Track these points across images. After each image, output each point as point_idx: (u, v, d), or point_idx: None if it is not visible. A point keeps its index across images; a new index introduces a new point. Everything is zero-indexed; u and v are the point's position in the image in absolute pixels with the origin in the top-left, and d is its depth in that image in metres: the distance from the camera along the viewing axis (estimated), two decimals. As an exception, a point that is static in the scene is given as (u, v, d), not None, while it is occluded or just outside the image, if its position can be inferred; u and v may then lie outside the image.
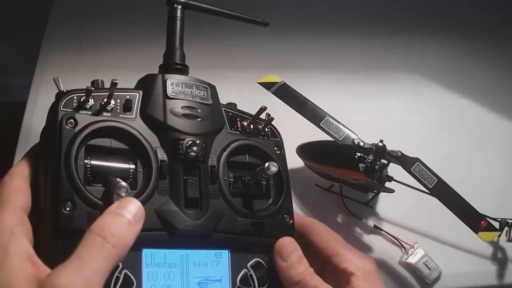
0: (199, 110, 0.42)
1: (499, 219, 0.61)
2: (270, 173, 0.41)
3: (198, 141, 0.40)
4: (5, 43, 1.16)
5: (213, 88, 0.44)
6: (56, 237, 0.34)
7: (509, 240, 0.60)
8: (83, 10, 0.76)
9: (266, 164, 0.41)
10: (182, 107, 0.41)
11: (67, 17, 0.75)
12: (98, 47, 0.72)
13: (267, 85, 0.60)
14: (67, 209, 0.34)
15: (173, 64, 0.44)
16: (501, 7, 0.92)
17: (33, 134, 0.62)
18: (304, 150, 0.62)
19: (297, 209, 0.63)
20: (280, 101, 0.59)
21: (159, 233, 0.37)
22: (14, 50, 1.18)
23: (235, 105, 0.48)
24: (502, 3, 0.92)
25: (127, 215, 0.34)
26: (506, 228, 0.60)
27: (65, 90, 0.39)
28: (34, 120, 0.63)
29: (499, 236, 0.60)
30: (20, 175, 0.37)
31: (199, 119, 0.41)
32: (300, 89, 0.60)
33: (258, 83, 0.61)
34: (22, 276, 0.31)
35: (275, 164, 0.41)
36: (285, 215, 0.44)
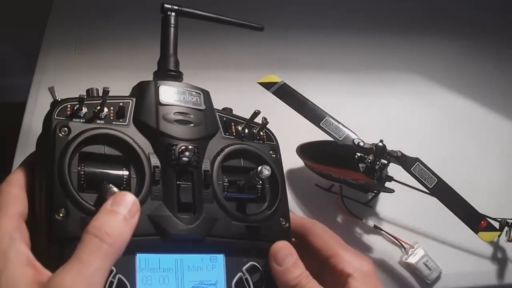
0: (191, 116, 0.42)
1: (499, 219, 0.61)
2: (263, 177, 0.41)
3: (190, 147, 0.40)
4: (5, 43, 1.16)
5: (206, 94, 0.44)
6: (50, 243, 0.34)
7: (509, 240, 0.60)
8: (83, 10, 0.76)
9: (259, 168, 0.41)
10: (174, 113, 0.41)
11: (67, 17, 0.75)
12: (98, 47, 0.72)
13: (267, 85, 0.60)
14: (60, 215, 0.35)
15: (167, 70, 0.44)
16: (501, 7, 0.92)
17: (33, 134, 0.62)
18: (304, 150, 0.62)
19: (297, 209, 0.63)
20: (280, 101, 0.59)
21: (152, 238, 0.37)
22: (14, 50, 1.18)
23: (231, 110, 0.48)
24: (502, 3, 0.92)
25: (122, 211, 0.34)
26: (506, 228, 0.60)
27: (59, 99, 0.39)
28: (34, 120, 0.63)
29: (499, 236, 0.60)
30: (17, 182, 0.37)
31: (192, 125, 0.41)
32: (300, 89, 0.60)
33: (258, 83, 0.61)
34: (23, 281, 0.31)
35: (268, 167, 0.41)
36: (281, 218, 0.44)
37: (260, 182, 0.44)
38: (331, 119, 0.58)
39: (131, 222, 0.34)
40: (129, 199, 0.35)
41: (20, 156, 0.60)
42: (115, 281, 0.35)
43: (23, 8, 1.05)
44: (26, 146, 0.61)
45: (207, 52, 0.73)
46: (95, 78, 0.66)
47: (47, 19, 0.74)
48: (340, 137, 0.57)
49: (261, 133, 0.47)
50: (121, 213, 0.34)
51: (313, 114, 0.59)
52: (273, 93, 0.60)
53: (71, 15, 0.75)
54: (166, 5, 0.45)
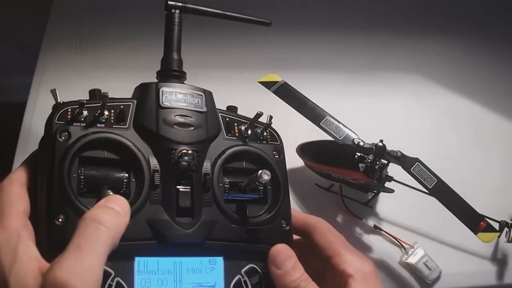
0: (192, 118, 0.41)
1: (499, 220, 0.61)
2: (262, 181, 0.41)
3: (190, 151, 0.39)
4: (5, 43, 1.16)
5: (208, 95, 0.43)
6: (49, 246, 0.34)
7: (508, 241, 0.60)
8: (83, 10, 0.76)
9: (259, 172, 0.40)
10: (175, 116, 0.40)
11: (67, 17, 0.75)
12: (98, 47, 0.72)
13: (268, 84, 0.60)
14: (60, 220, 0.35)
15: (170, 70, 0.44)
16: (502, 6, 0.92)
17: (33, 134, 0.62)
18: (304, 150, 0.62)
19: (297, 209, 0.63)
20: (280, 100, 0.59)
21: (150, 242, 0.37)
22: (14, 50, 1.18)
23: (236, 108, 0.47)
24: (502, 2, 0.92)
25: (116, 207, 0.34)
26: (505, 229, 0.60)
27: (61, 102, 0.39)
28: (34, 120, 0.63)
29: (498, 237, 0.60)
30: (18, 180, 0.37)
31: (192, 128, 0.41)
32: (300, 89, 0.60)
33: (259, 82, 0.61)
34: (31, 275, 0.32)
35: (267, 172, 0.40)
36: (282, 221, 0.44)
37: (263, 184, 0.44)
38: (331, 119, 0.58)
39: (124, 218, 0.35)
40: (121, 199, 0.35)
41: (20, 156, 0.60)
42: (114, 284, 0.35)
43: (23, 8, 1.05)
44: (26, 146, 0.61)
45: (207, 52, 0.73)
46: (95, 78, 0.66)
47: (47, 19, 0.74)
48: (340, 137, 0.57)
49: (265, 133, 0.46)
50: (115, 209, 0.34)
51: (313, 113, 0.59)
52: (274, 92, 0.60)
53: (71, 15, 0.75)
54: (170, 2, 0.44)
